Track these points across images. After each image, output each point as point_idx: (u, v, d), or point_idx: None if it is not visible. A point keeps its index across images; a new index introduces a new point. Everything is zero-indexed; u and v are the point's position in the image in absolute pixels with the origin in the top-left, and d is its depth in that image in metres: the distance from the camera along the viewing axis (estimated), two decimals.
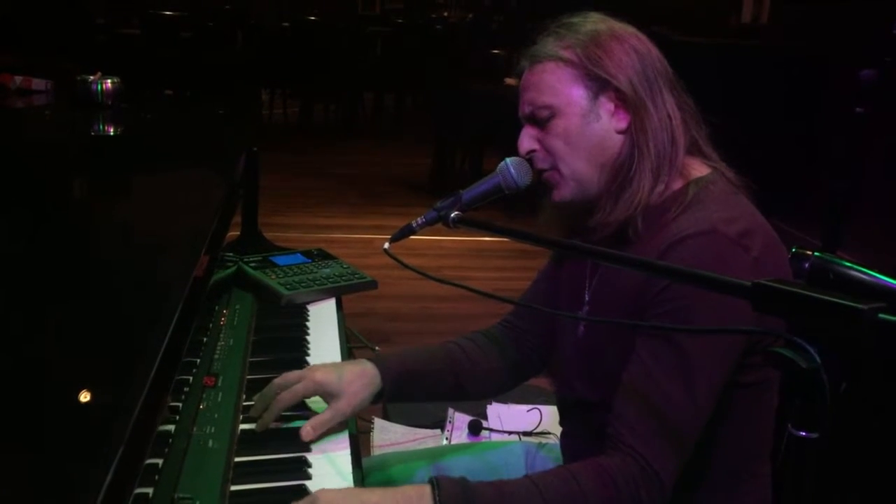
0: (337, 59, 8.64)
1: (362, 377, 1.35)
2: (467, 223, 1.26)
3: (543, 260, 1.57)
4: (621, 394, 1.19)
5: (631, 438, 1.15)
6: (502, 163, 1.30)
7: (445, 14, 11.91)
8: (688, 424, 1.16)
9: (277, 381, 1.33)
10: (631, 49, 1.27)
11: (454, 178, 6.37)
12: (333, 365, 1.41)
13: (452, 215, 1.26)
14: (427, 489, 1.13)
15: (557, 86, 1.27)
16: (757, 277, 1.05)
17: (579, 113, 1.26)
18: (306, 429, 1.28)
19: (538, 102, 1.28)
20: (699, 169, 1.29)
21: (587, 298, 1.36)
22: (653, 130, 1.25)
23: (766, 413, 1.27)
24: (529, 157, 1.31)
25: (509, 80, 6.16)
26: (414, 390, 1.44)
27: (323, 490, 1.14)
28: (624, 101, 1.26)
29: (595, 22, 1.30)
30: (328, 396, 1.33)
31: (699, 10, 7.89)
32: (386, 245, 1.28)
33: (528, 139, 1.31)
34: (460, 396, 1.54)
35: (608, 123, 1.27)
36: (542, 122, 1.28)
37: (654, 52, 1.30)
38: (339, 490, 1.18)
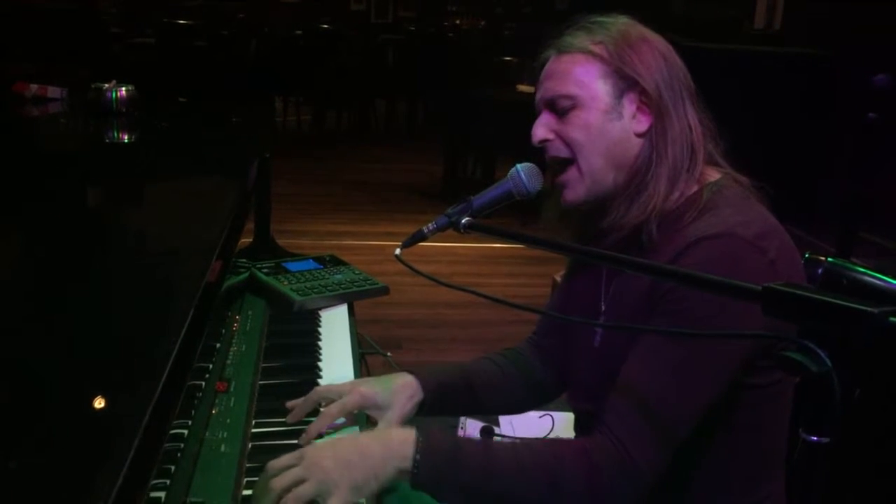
0: (349, 67, 8.68)
1: (407, 388, 1.36)
2: (478, 229, 1.26)
3: (555, 267, 1.57)
4: (617, 383, 1.20)
5: (617, 426, 1.16)
6: (513, 169, 1.30)
7: (457, 22, 11.94)
8: (677, 420, 1.16)
9: (320, 390, 1.36)
10: (659, 54, 1.27)
11: (466, 184, 6.38)
12: (375, 379, 1.41)
13: (463, 221, 1.26)
14: (412, 435, 1.14)
15: (584, 78, 1.26)
16: (774, 279, 1.05)
17: (602, 108, 1.26)
18: None
19: (562, 91, 1.27)
20: (712, 175, 1.29)
21: (603, 309, 1.36)
22: (673, 137, 1.25)
23: (781, 416, 1.26)
24: (542, 146, 1.31)
25: (521, 87, 6.17)
26: (451, 403, 1.45)
27: (311, 446, 1.17)
28: (647, 103, 1.25)
29: (626, 24, 1.30)
30: (375, 409, 1.34)
31: (712, 17, 7.87)
32: (397, 251, 1.28)
33: (543, 128, 1.30)
34: (493, 410, 1.54)
35: (628, 124, 1.26)
36: (561, 111, 1.28)
37: (680, 62, 1.30)
38: (327, 441, 1.20)
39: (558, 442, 1.20)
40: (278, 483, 1.08)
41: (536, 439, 1.25)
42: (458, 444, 1.17)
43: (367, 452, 1.13)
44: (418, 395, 1.37)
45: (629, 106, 1.26)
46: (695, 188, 1.27)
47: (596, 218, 1.31)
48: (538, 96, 1.32)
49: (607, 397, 1.30)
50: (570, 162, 1.29)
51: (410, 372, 1.40)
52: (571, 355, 1.44)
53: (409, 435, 1.14)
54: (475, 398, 1.47)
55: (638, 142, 1.27)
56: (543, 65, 1.32)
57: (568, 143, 1.28)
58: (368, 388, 1.35)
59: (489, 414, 1.84)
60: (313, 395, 1.35)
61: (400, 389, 1.36)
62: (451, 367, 1.48)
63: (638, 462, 1.14)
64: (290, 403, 1.36)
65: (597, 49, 1.26)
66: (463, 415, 1.56)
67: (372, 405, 1.34)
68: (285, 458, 1.12)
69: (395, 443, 1.14)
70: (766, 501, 1.30)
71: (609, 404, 1.19)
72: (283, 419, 1.35)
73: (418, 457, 1.12)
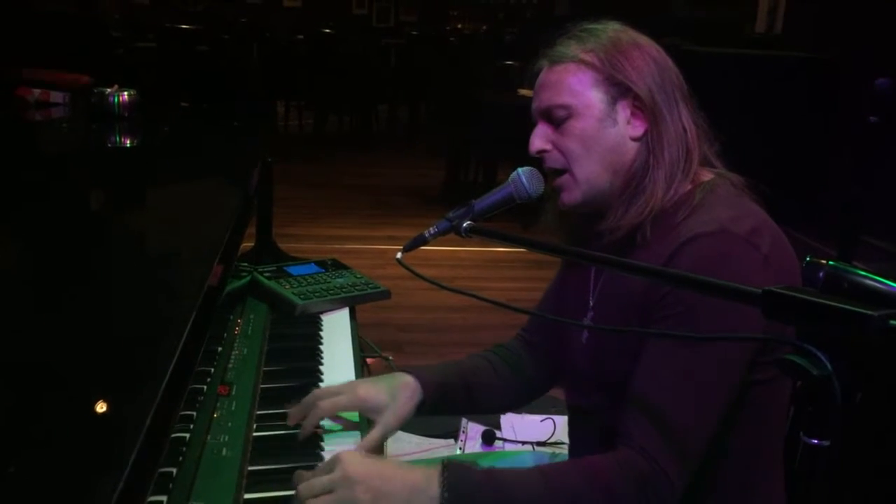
0: (351, 71, 8.70)
1: (406, 390, 1.36)
2: (479, 233, 1.27)
3: (556, 270, 1.57)
4: (631, 394, 1.19)
5: (641, 438, 1.15)
6: (514, 172, 1.31)
7: (459, 26, 11.96)
8: (699, 426, 1.16)
9: (318, 392, 1.35)
10: (650, 59, 1.28)
11: (467, 188, 6.38)
12: (373, 380, 1.41)
13: (464, 225, 1.27)
14: (437, 470, 1.15)
15: (577, 87, 1.27)
16: (768, 275, 1.05)
17: (596, 116, 1.26)
18: (360, 450, 1.28)
19: (556, 101, 1.28)
20: (705, 175, 1.30)
21: (591, 304, 1.37)
22: (668, 140, 1.26)
23: (779, 413, 1.27)
24: (540, 157, 1.31)
25: (523, 91, 6.18)
26: (449, 402, 1.45)
27: (347, 452, 1.16)
28: (641, 108, 1.26)
29: (616, 30, 1.31)
30: (371, 412, 1.33)
31: (714, 20, 7.88)
32: (399, 255, 1.29)
33: (540, 139, 1.31)
34: (488, 409, 1.55)
35: (623, 129, 1.27)
36: (557, 121, 1.29)
37: (672, 65, 1.31)
38: (362, 458, 1.18)
39: (585, 461, 1.20)
40: (305, 491, 1.10)
41: (559, 462, 1.24)
42: (486, 475, 1.16)
43: (397, 481, 1.13)
44: (417, 396, 1.37)
45: (623, 112, 1.27)
46: (688, 187, 1.27)
47: (594, 221, 1.31)
48: (533, 107, 1.33)
49: (598, 392, 1.30)
50: (567, 171, 1.30)
51: (409, 372, 1.40)
52: (562, 351, 1.45)
53: (435, 470, 1.15)
54: (472, 397, 1.47)
55: (634, 146, 1.27)
56: (537, 76, 1.33)
57: (564, 153, 1.29)
58: (367, 389, 1.35)
59: (483, 412, 1.84)
60: (311, 397, 1.34)
61: (399, 390, 1.36)
62: (448, 367, 1.48)
63: (668, 472, 1.13)
64: (290, 411, 1.35)
65: (588, 57, 1.27)
66: (459, 413, 1.56)
67: (370, 407, 1.34)
68: (319, 470, 1.14)
69: (423, 478, 1.14)
70: (765, 501, 1.30)
71: (630, 417, 1.18)
72: (285, 423, 1.35)
73: (446, 494, 1.12)
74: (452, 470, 1.14)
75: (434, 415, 1.44)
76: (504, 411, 1.59)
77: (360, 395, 1.33)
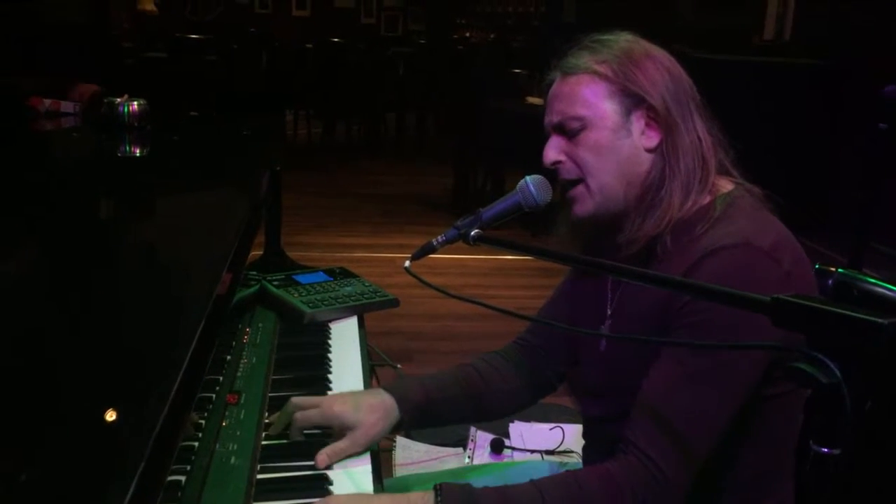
0: (359, 80, 8.73)
1: (379, 410, 1.35)
2: (487, 241, 1.26)
3: (563, 278, 1.57)
4: (640, 400, 1.19)
5: (644, 443, 1.15)
6: (522, 181, 1.31)
7: (467, 35, 11.99)
8: (703, 435, 1.16)
9: (295, 400, 1.35)
10: (664, 69, 1.28)
11: (475, 196, 6.39)
12: (351, 395, 1.40)
13: (472, 233, 1.26)
14: (431, 494, 1.15)
15: (591, 98, 1.27)
16: (788, 290, 1.05)
17: (611, 127, 1.26)
18: (321, 456, 1.26)
19: (570, 113, 1.28)
20: (724, 185, 1.29)
21: (609, 313, 1.36)
22: (683, 150, 1.25)
23: (792, 427, 1.26)
24: (554, 168, 1.31)
25: (531, 99, 6.18)
26: (432, 418, 1.44)
27: (333, 496, 1.16)
28: (655, 119, 1.26)
29: (629, 41, 1.30)
30: (344, 428, 1.32)
31: (721, 28, 7.88)
32: (407, 263, 1.29)
33: (554, 150, 1.31)
34: (478, 419, 1.53)
35: (638, 140, 1.27)
36: (571, 133, 1.28)
37: (685, 75, 1.30)
38: (349, 496, 1.19)
39: (579, 472, 1.20)
40: None
41: (555, 475, 1.24)
42: (481, 493, 1.16)
43: None
44: (392, 416, 1.36)
45: (638, 122, 1.26)
46: (707, 199, 1.27)
47: (610, 233, 1.31)
48: (546, 120, 1.32)
49: (614, 402, 1.30)
50: (581, 181, 1.29)
51: (390, 390, 1.38)
52: (578, 360, 1.44)
53: (428, 495, 1.15)
54: (463, 407, 1.46)
55: (648, 157, 1.27)
56: (549, 87, 1.33)
57: (579, 164, 1.28)
58: (341, 406, 1.33)
59: (480, 420, 1.84)
60: (288, 407, 1.34)
61: (372, 411, 1.33)
62: (434, 381, 1.46)
63: (669, 479, 1.13)
64: (273, 423, 1.35)
65: (601, 68, 1.27)
66: (450, 424, 1.54)
67: (341, 423, 1.31)
68: None
69: (418, 501, 1.14)
70: None
71: (633, 423, 1.18)
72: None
73: None
74: (446, 491, 1.15)
75: (421, 429, 1.43)
76: (498, 417, 1.58)
77: (335, 412, 1.32)
